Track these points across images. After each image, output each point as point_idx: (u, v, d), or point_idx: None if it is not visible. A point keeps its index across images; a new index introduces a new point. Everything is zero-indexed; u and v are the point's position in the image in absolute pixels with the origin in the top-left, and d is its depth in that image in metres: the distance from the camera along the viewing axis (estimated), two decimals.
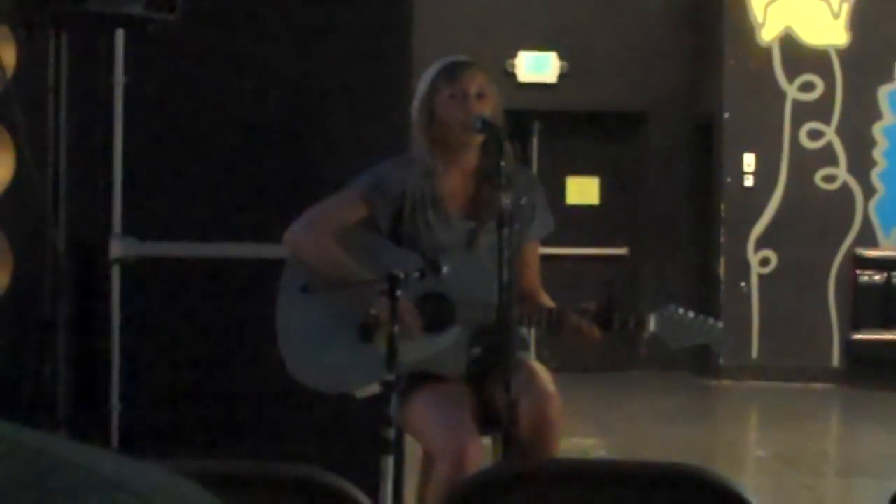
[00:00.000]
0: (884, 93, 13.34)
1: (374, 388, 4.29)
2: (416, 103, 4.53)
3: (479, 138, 4.41)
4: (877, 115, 13.34)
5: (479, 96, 4.42)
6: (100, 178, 5.83)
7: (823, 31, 13.38)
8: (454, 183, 4.50)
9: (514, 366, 4.10)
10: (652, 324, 4.32)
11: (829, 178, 13.36)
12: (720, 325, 4.47)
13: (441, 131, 4.44)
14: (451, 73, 4.47)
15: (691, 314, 4.37)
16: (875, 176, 13.34)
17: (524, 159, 13.55)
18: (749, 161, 13.37)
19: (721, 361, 13.12)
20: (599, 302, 4.31)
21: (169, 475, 0.77)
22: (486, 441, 4.40)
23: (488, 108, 4.40)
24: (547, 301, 4.47)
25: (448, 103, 4.42)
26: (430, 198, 4.45)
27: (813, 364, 13.15)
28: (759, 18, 13.38)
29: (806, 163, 13.33)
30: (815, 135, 13.37)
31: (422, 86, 4.54)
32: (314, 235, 4.42)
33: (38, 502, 0.72)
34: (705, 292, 13.32)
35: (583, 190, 14.39)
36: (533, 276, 4.60)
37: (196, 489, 0.79)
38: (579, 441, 9.14)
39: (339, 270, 4.35)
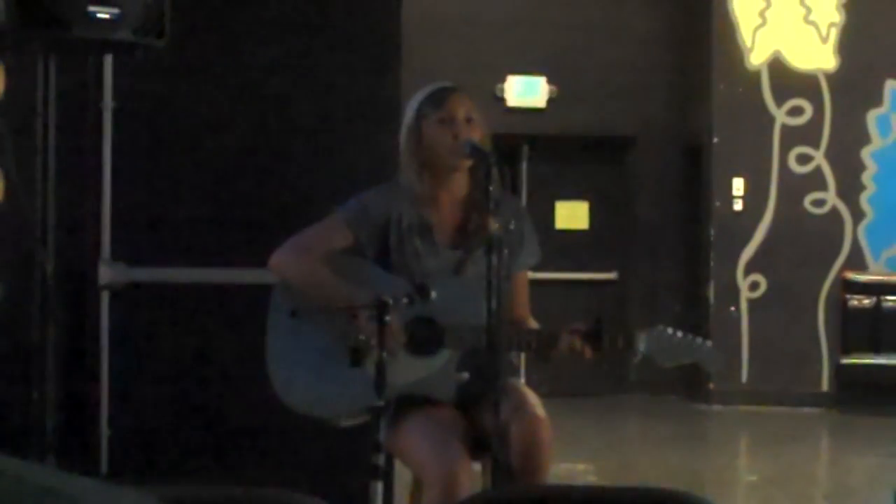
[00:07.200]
0: (872, 117, 13.36)
1: (361, 418, 4.28)
2: (403, 130, 4.52)
3: (468, 164, 4.40)
4: (865, 139, 13.36)
5: (468, 121, 4.41)
6: (89, 204, 5.83)
7: (812, 55, 13.41)
8: (442, 211, 4.49)
9: (503, 390, 4.08)
10: (641, 343, 4.31)
11: (819, 203, 13.37)
12: (709, 343, 4.47)
13: (430, 157, 4.43)
14: (439, 98, 4.47)
15: (680, 333, 4.37)
16: (864, 200, 13.36)
17: (514, 185, 13.57)
18: (738, 185, 13.37)
19: (711, 386, 13.12)
20: (588, 322, 4.30)
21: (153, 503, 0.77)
22: (476, 466, 4.38)
23: (476, 134, 4.39)
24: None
25: (436, 128, 4.41)
26: (417, 226, 4.44)
27: (802, 388, 13.14)
28: (748, 43, 13.41)
29: (795, 187, 13.34)
30: (803, 159, 13.39)
31: (409, 112, 4.52)
32: (300, 259, 4.40)
33: None
34: (695, 317, 13.31)
35: (572, 214, 14.38)
36: (522, 305, 4.59)
37: None
38: (569, 466, 9.12)
39: (327, 291, 4.33)
